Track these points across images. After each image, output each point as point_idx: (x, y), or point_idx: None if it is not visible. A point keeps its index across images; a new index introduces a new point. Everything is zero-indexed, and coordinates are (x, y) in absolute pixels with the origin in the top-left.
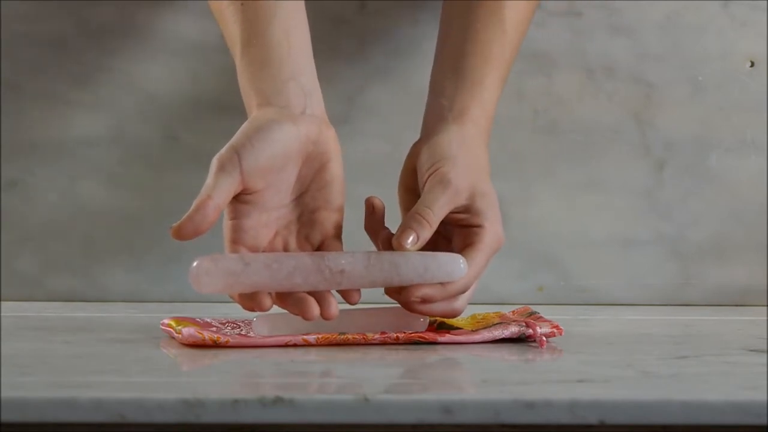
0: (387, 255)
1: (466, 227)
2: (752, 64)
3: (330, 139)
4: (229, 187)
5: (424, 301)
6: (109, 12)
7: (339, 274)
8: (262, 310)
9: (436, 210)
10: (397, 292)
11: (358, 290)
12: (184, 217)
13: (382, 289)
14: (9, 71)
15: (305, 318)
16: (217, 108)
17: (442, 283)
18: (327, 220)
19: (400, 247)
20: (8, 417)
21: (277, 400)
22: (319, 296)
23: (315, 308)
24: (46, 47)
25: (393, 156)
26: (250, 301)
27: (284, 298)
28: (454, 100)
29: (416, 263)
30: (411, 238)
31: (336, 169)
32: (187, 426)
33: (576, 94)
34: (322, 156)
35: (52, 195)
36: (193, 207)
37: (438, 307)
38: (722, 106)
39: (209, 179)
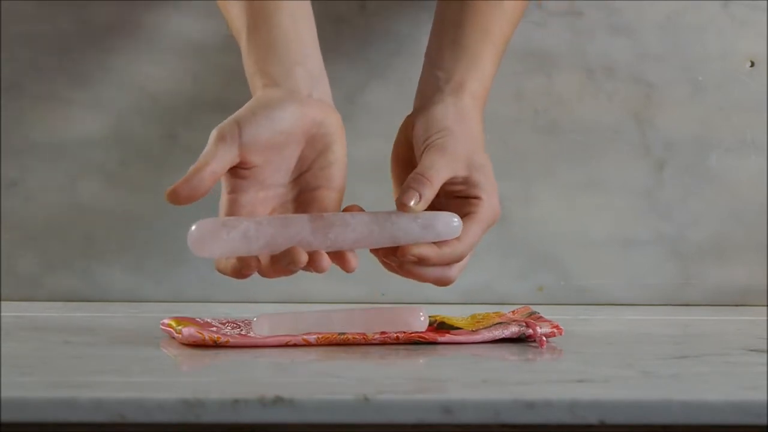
0: (386, 216)
1: (462, 198)
2: (752, 64)
3: (335, 123)
4: (227, 157)
5: (420, 261)
6: (109, 12)
7: (341, 243)
8: (249, 273)
9: (436, 171)
10: (392, 253)
11: (356, 256)
12: (180, 180)
13: (382, 290)
14: (9, 71)
15: (294, 266)
16: (217, 108)
17: (437, 245)
18: (327, 198)
19: (404, 208)
20: (8, 417)
21: (277, 400)
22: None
23: (303, 255)
24: (46, 47)
25: None
26: (240, 264)
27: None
28: (451, 72)
29: (412, 218)
30: (414, 198)
31: (339, 150)
32: (187, 426)
33: (576, 94)
34: (325, 137)
35: (52, 195)
36: (190, 171)
37: (432, 272)
38: (722, 106)
39: (207, 147)
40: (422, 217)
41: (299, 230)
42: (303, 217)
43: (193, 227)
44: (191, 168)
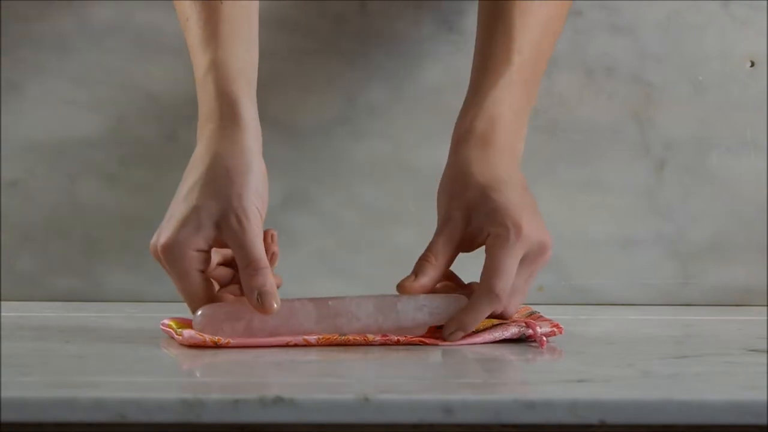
0: (391, 304)
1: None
2: (752, 64)
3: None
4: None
5: (464, 333)
6: (109, 12)
7: (347, 332)
8: None
9: (436, 250)
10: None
11: None
12: (268, 297)
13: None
14: (9, 71)
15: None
16: None
17: (463, 311)
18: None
19: (403, 290)
20: (8, 417)
21: (277, 400)
22: None
23: None
24: (46, 47)
25: (393, 156)
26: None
27: None
28: (461, 112)
29: (418, 306)
30: (411, 280)
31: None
32: (187, 426)
33: (576, 94)
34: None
35: (52, 195)
36: (264, 292)
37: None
38: (722, 106)
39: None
40: (428, 305)
41: (303, 321)
42: (307, 305)
43: (199, 313)
44: (262, 288)
